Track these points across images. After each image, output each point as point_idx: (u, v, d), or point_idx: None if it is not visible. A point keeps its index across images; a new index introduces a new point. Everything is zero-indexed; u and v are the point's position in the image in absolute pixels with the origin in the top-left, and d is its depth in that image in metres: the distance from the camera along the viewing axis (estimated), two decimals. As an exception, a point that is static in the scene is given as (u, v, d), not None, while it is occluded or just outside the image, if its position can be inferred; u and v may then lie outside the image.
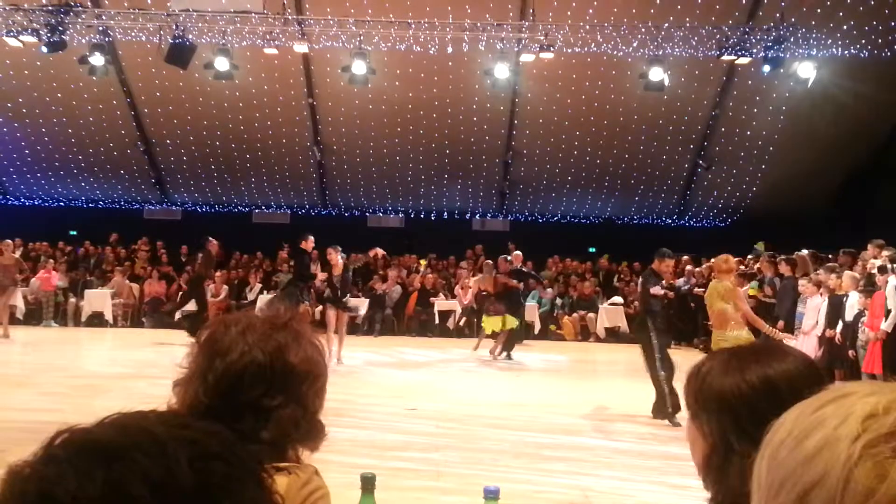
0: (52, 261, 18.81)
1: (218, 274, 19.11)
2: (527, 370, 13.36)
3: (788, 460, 0.71)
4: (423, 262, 18.94)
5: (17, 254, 16.67)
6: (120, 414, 0.76)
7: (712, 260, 8.92)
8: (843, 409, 0.71)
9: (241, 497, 0.73)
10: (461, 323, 18.27)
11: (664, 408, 8.53)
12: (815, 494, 0.68)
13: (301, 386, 1.60)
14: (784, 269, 13.47)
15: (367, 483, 1.77)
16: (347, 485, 1.96)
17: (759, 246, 16.39)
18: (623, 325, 18.71)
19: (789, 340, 8.76)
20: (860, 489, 0.65)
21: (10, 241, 15.77)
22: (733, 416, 1.41)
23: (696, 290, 17.32)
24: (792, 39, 16.15)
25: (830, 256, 13.92)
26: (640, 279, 9.98)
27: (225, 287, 18.85)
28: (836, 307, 11.53)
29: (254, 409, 1.54)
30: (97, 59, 16.78)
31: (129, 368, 11.49)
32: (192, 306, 16.01)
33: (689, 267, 18.24)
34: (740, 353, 1.52)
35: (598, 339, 18.61)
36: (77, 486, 0.67)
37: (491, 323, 14.19)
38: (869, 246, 12.36)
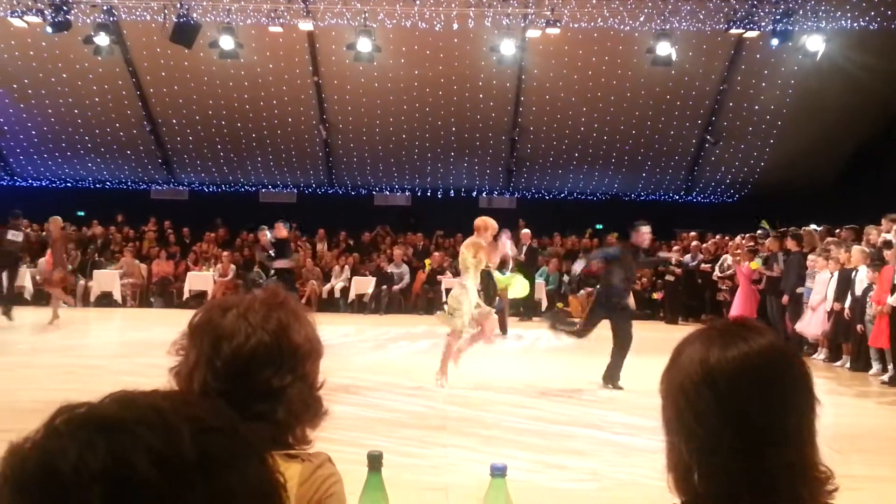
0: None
1: (225, 254, 19.17)
2: (534, 348, 13.38)
3: None
4: (427, 261, 18.93)
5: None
6: (122, 391, 0.76)
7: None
8: None
9: (243, 472, 0.73)
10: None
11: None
12: None
13: (306, 364, 1.59)
14: (791, 244, 13.42)
15: (374, 461, 1.77)
16: (354, 462, 1.96)
17: (766, 224, 16.34)
18: (631, 300, 18.68)
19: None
20: None
21: (58, 218, 15.03)
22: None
23: (703, 265, 17.40)
24: (800, 12, 16.01)
25: (837, 232, 13.86)
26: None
27: (232, 266, 18.88)
28: (844, 281, 11.49)
29: (265, 391, 1.53)
30: (102, 39, 16.75)
31: (137, 348, 11.54)
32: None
33: (695, 243, 18.22)
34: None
35: (606, 316, 18.58)
36: (78, 457, 0.67)
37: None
38: (883, 220, 12.26)
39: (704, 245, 18.14)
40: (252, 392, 1.52)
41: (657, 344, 9.48)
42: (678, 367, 1.36)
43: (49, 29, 16.39)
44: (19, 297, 16.05)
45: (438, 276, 18.56)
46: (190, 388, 1.53)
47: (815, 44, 16.11)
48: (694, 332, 1.40)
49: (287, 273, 12.81)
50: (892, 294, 10.24)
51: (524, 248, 16.89)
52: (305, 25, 16.79)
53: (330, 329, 13.36)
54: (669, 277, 18.23)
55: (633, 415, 7.70)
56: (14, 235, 14.66)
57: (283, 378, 1.55)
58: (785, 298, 13.09)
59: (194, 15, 16.23)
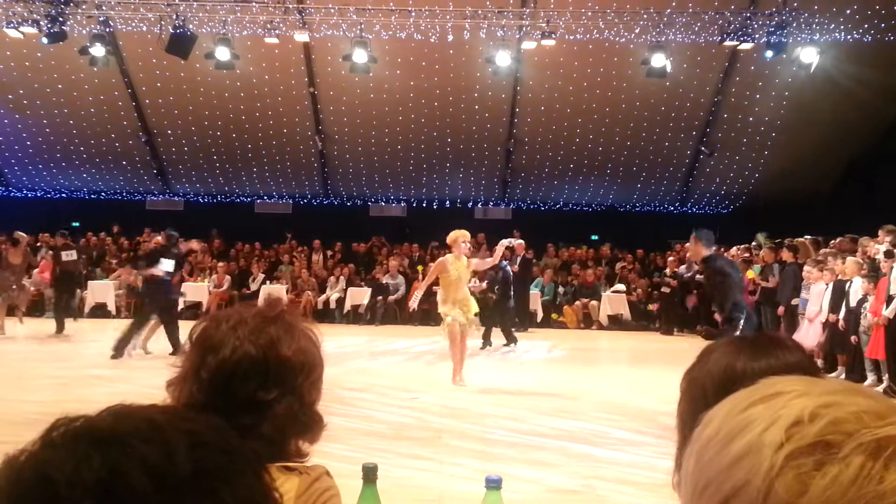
0: (50, 252, 18.77)
1: (221, 265, 19.14)
2: (529, 359, 13.38)
3: (714, 462, 0.68)
4: (420, 268, 19.01)
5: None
6: (120, 405, 0.77)
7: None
8: (772, 410, 0.67)
9: (239, 487, 0.73)
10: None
11: None
12: (735, 502, 0.65)
13: (296, 378, 1.59)
14: (786, 255, 13.46)
15: (369, 473, 1.77)
16: (349, 475, 1.95)
17: (761, 237, 16.37)
18: (626, 312, 18.74)
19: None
20: (780, 502, 0.62)
21: (22, 234, 15.50)
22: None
23: (698, 276, 17.40)
24: (794, 24, 16.08)
25: (831, 242, 13.89)
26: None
27: (227, 278, 18.86)
28: (839, 293, 11.51)
29: (250, 405, 1.52)
30: (98, 50, 16.75)
31: (131, 359, 11.51)
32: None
33: (690, 254, 18.25)
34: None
35: (601, 327, 18.62)
36: (73, 469, 0.68)
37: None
38: (880, 232, 12.27)
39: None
40: (236, 405, 1.51)
41: (653, 355, 9.53)
42: (704, 366, 1.38)
43: (45, 39, 16.38)
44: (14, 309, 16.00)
45: (433, 287, 18.51)
46: (178, 400, 1.54)
47: (809, 56, 16.19)
48: (729, 338, 1.44)
49: (158, 283, 12.06)
50: (887, 305, 10.26)
51: (518, 259, 16.91)
52: (301, 37, 16.82)
53: (325, 340, 13.31)
54: (665, 289, 18.25)
55: (626, 429, 7.67)
56: (68, 255, 15.30)
57: (270, 392, 1.54)
58: (781, 309, 13.13)
59: (190, 26, 16.25)
